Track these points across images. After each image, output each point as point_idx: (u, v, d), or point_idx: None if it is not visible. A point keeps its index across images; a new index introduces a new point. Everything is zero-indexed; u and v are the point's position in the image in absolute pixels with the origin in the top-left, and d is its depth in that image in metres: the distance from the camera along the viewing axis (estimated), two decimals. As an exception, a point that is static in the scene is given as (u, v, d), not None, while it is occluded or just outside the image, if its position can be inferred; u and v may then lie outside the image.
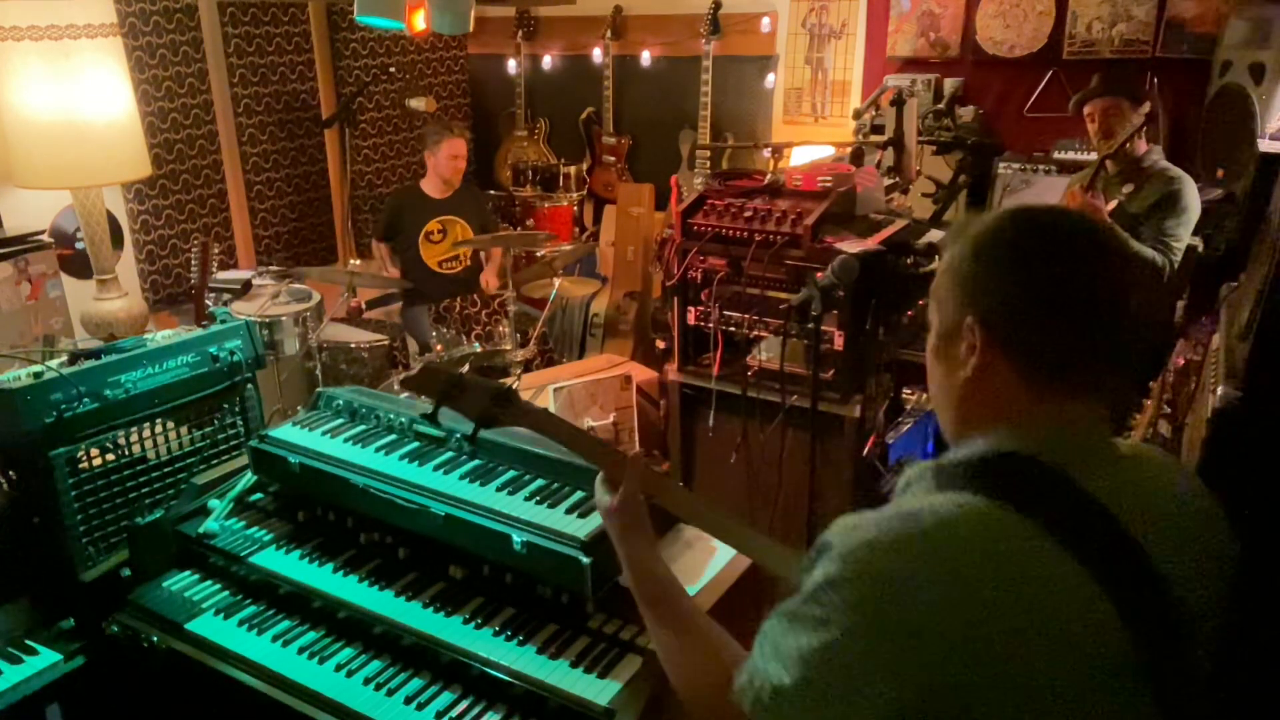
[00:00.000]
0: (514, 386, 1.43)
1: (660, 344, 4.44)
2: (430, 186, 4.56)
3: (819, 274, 2.44)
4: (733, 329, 2.93)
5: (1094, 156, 3.38)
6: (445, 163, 4.47)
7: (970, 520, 0.93)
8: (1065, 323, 0.97)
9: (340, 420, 2.12)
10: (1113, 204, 3.12)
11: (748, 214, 2.82)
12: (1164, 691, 0.93)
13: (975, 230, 1.04)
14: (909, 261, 2.73)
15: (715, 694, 1.05)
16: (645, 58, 5.41)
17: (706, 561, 1.76)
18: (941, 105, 4.39)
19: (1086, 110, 3.27)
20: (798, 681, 0.92)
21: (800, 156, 3.91)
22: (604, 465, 1.35)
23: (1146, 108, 3.11)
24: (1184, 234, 3.09)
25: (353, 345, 3.84)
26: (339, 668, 1.72)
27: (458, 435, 1.95)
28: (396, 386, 3.80)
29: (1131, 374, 1.01)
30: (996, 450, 0.99)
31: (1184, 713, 0.94)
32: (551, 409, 3.18)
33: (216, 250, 3.93)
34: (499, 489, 1.80)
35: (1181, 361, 2.66)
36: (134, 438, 2.11)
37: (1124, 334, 0.98)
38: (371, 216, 5.33)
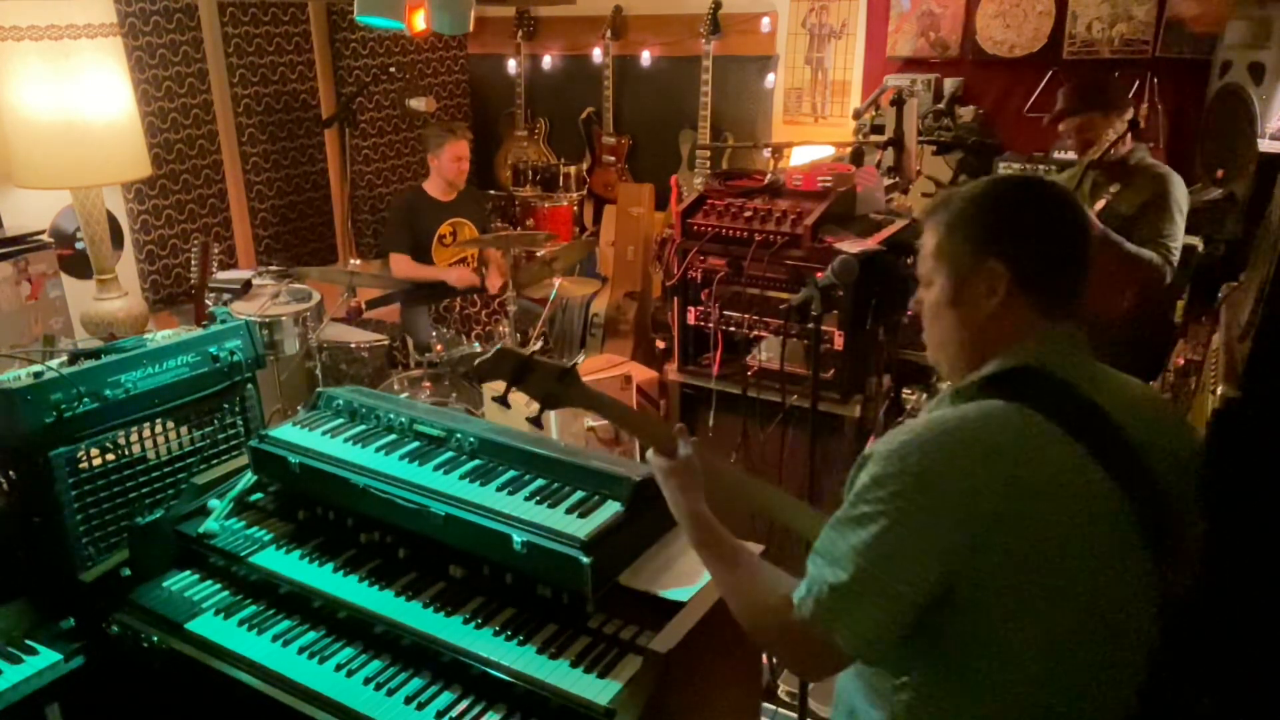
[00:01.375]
0: (575, 365, 1.53)
1: (660, 344, 4.44)
2: (435, 189, 4.56)
3: (819, 274, 2.44)
4: (733, 329, 2.93)
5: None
6: (449, 165, 4.46)
7: (992, 415, 1.12)
8: (1066, 255, 1.20)
9: (340, 420, 2.12)
10: (1101, 204, 3.11)
11: (748, 214, 2.82)
12: (1154, 542, 1.13)
13: (974, 193, 1.23)
14: (909, 261, 2.73)
15: (775, 615, 1.18)
16: (645, 58, 5.41)
17: (706, 561, 1.75)
18: (941, 105, 4.39)
19: (1061, 128, 3.26)
20: (854, 574, 1.08)
21: (800, 156, 3.91)
22: (657, 437, 1.49)
23: (1129, 114, 3.08)
24: (1178, 233, 3.08)
25: (353, 345, 3.84)
26: (339, 668, 1.72)
27: (458, 435, 1.96)
28: (396, 386, 3.80)
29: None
30: (1003, 367, 1.18)
31: (1173, 561, 1.15)
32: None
33: (216, 250, 3.93)
34: (499, 489, 1.80)
35: (1181, 361, 2.66)
36: (134, 438, 2.11)
37: (1091, 263, 1.22)
38: (371, 217, 5.33)
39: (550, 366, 1.52)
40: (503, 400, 1.55)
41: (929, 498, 1.06)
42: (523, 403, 1.56)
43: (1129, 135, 3.12)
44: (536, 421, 1.57)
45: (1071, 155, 3.94)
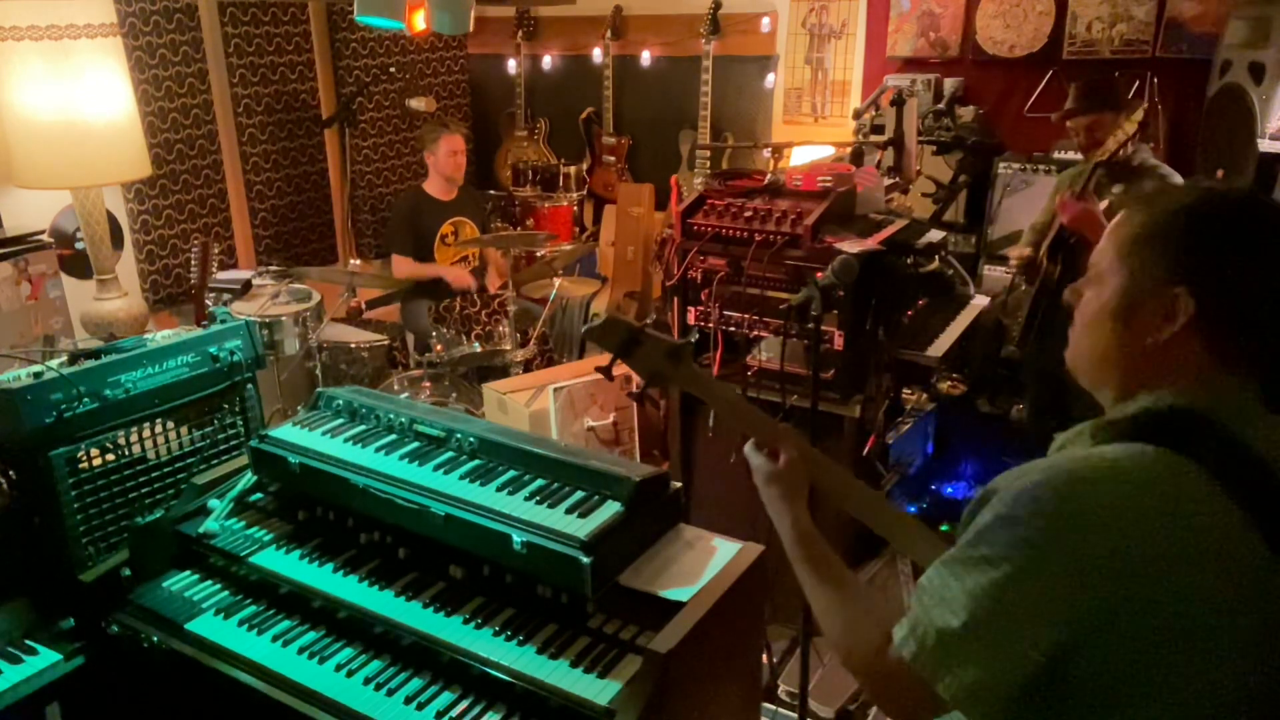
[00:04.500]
0: (690, 343, 1.46)
1: (660, 344, 4.43)
2: (435, 188, 4.56)
3: (819, 274, 2.44)
4: (733, 329, 2.93)
5: (1095, 156, 3.37)
6: (445, 160, 4.46)
7: (1140, 464, 0.97)
8: (1270, 308, 1.02)
9: (340, 420, 2.12)
10: (1104, 204, 3.12)
11: (748, 214, 2.82)
12: None
13: (1189, 203, 1.06)
14: (909, 261, 2.73)
15: (873, 649, 1.08)
16: (645, 58, 5.41)
17: (707, 561, 1.76)
18: (941, 105, 4.39)
19: (1069, 125, 3.27)
20: (966, 621, 0.96)
21: (800, 156, 3.90)
22: (763, 433, 1.38)
23: (1140, 115, 3.10)
24: None
25: (353, 345, 3.84)
26: (339, 668, 1.72)
27: (458, 435, 1.96)
28: (396, 386, 3.80)
29: None
30: (1160, 406, 1.03)
31: None
32: (552, 409, 3.19)
33: (216, 250, 3.92)
34: (499, 489, 1.80)
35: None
36: (134, 438, 2.11)
37: None
38: (371, 217, 5.33)
39: (661, 341, 1.43)
40: (606, 372, 1.44)
41: (1062, 550, 0.93)
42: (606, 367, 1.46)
43: (1137, 136, 3.13)
44: (639, 397, 1.50)
45: (1072, 155, 3.96)
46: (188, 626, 1.85)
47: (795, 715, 2.46)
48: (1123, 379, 1.08)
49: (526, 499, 1.76)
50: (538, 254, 4.85)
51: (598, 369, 1.47)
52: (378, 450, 1.97)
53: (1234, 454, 0.98)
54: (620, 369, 1.47)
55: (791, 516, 1.31)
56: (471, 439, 1.93)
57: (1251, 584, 0.94)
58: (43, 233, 3.68)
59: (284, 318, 3.60)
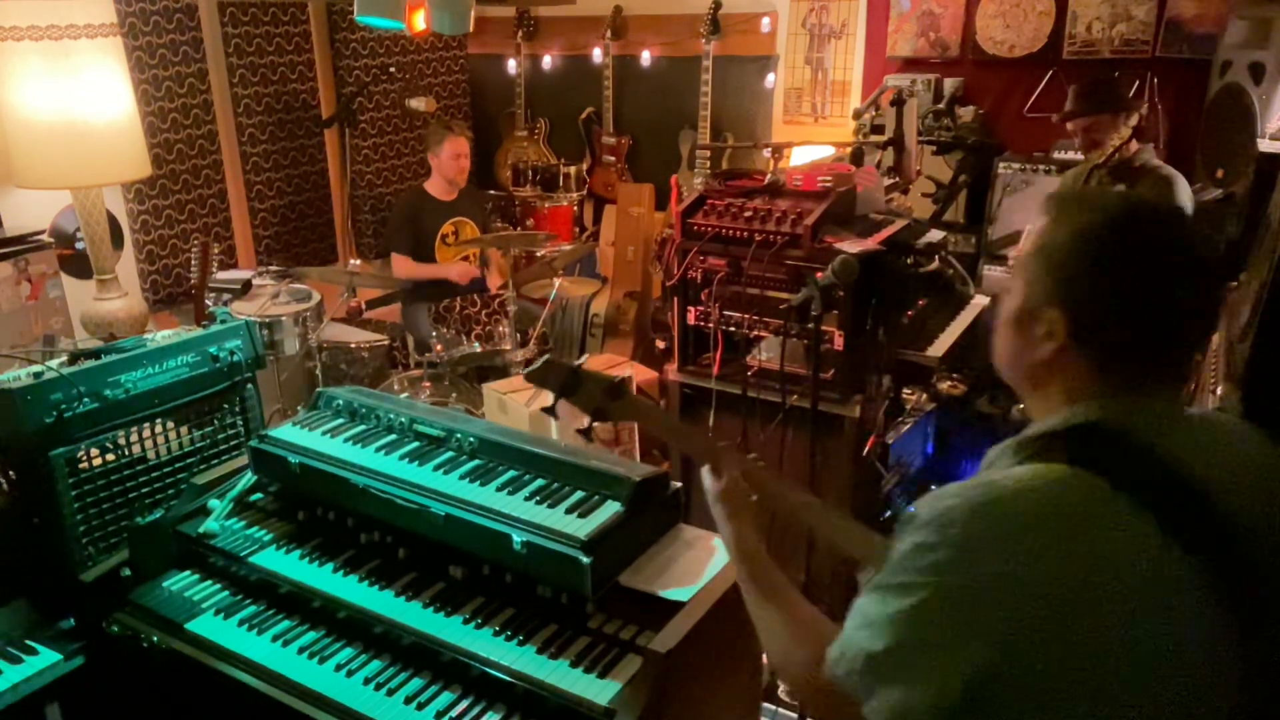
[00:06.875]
0: (625, 379, 1.50)
1: (660, 344, 4.44)
2: (436, 189, 4.56)
3: (819, 274, 2.44)
4: (733, 329, 2.93)
5: (1095, 155, 3.38)
6: (449, 163, 4.47)
7: (1048, 483, 0.97)
8: (1151, 330, 1.01)
9: (340, 420, 2.12)
10: None
11: (748, 214, 2.82)
12: (1253, 632, 0.94)
13: (1079, 219, 1.04)
14: (909, 261, 2.73)
15: (809, 666, 1.11)
16: (645, 58, 5.41)
17: (707, 561, 1.76)
18: (941, 105, 4.39)
19: (1070, 127, 3.28)
20: (889, 646, 0.98)
21: (800, 156, 3.90)
22: (707, 455, 1.43)
23: (1134, 120, 3.10)
24: None
25: (353, 345, 3.84)
26: (339, 668, 1.72)
27: (458, 435, 1.96)
28: (396, 386, 3.80)
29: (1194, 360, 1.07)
30: (1071, 422, 1.03)
31: (1272, 666, 0.95)
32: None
33: (216, 250, 3.93)
34: (499, 489, 1.80)
35: (1181, 361, 2.65)
36: (134, 438, 2.11)
37: (1201, 336, 1.04)
38: (371, 217, 5.33)
39: (599, 379, 1.48)
40: (551, 411, 1.52)
41: (970, 575, 0.94)
42: (570, 413, 1.53)
43: (1134, 139, 3.13)
44: (585, 433, 1.55)
45: (1072, 155, 3.96)
46: (188, 626, 1.85)
47: (795, 715, 2.46)
48: (1026, 386, 1.10)
49: (526, 499, 1.76)
50: (538, 254, 4.85)
51: (544, 409, 1.52)
52: (378, 450, 1.97)
53: (1144, 467, 0.98)
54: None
55: (734, 535, 1.34)
56: (471, 439, 1.93)
57: (1172, 598, 0.94)
58: (43, 233, 3.68)
59: (284, 318, 3.60)
